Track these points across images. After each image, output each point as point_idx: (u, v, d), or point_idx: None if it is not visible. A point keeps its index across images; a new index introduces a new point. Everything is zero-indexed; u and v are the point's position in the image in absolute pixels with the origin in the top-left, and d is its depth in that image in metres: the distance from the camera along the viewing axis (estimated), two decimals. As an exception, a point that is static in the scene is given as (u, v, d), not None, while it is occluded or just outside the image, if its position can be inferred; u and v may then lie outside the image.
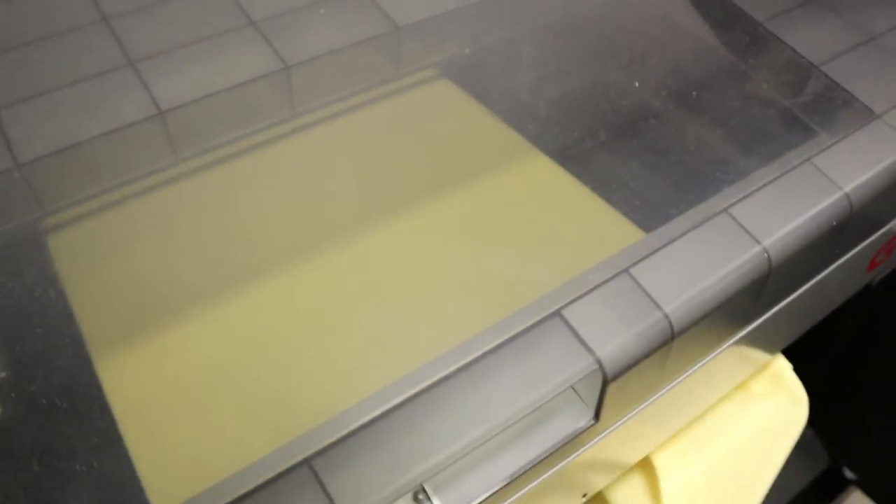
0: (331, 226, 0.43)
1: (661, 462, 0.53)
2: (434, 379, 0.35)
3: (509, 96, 0.51)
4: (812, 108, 0.50)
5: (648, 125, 0.49)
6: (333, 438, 0.33)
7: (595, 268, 0.40)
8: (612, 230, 0.43)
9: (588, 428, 0.39)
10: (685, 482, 0.53)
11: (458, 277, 0.42)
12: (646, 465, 0.54)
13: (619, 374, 0.37)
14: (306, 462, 0.33)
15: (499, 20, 0.52)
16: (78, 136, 0.42)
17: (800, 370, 0.60)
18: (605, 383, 0.37)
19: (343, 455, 0.33)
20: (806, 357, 0.63)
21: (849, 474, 0.89)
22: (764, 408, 0.58)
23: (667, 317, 0.39)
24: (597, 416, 0.39)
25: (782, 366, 0.59)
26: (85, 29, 0.47)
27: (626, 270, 0.40)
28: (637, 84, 0.52)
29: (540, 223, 0.44)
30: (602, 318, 0.38)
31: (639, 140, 0.48)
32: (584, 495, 0.49)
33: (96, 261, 0.40)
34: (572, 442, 0.39)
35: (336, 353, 0.38)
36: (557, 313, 0.38)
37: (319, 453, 0.33)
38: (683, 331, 0.39)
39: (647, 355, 0.38)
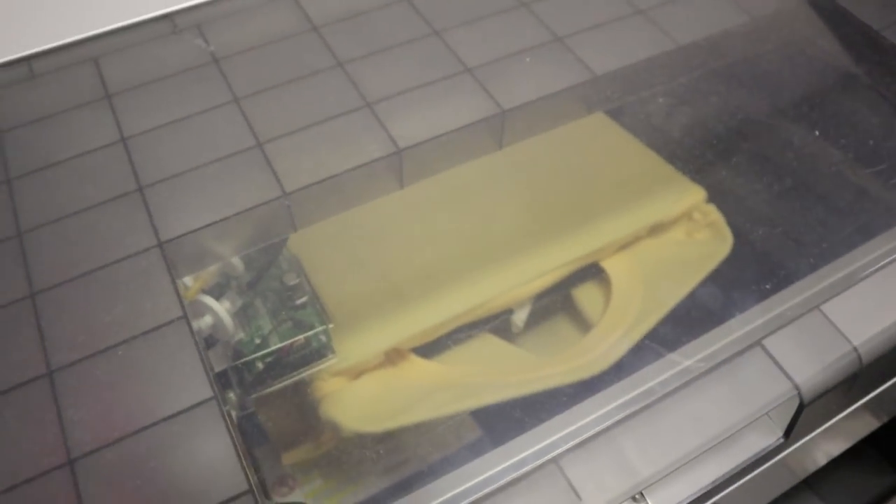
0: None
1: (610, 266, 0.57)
2: (652, 399, 0.41)
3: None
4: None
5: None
6: (576, 440, 0.39)
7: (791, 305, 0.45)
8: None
9: (778, 445, 0.45)
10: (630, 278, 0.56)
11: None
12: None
13: (813, 400, 0.43)
14: (553, 460, 0.39)
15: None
16: (331, 169, 0.49)
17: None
18: (801, 407, 0.43)
19: (583, 454, 0.39)
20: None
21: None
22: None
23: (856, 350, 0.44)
24: (787, 435, 0.45)
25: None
26: (325, 73, 0.54)
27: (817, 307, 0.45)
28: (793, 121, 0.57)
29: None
30: (798, 349, 0.43)
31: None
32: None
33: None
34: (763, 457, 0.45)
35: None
36: (758, 343, 0.43)
37: (564, 453, 0.39)
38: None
39: (838, 384, 0.43)
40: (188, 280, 0.51)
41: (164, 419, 0.40)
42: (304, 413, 0.51)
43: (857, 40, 0.61)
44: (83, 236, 0.46)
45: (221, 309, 0.50)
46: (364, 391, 0.52)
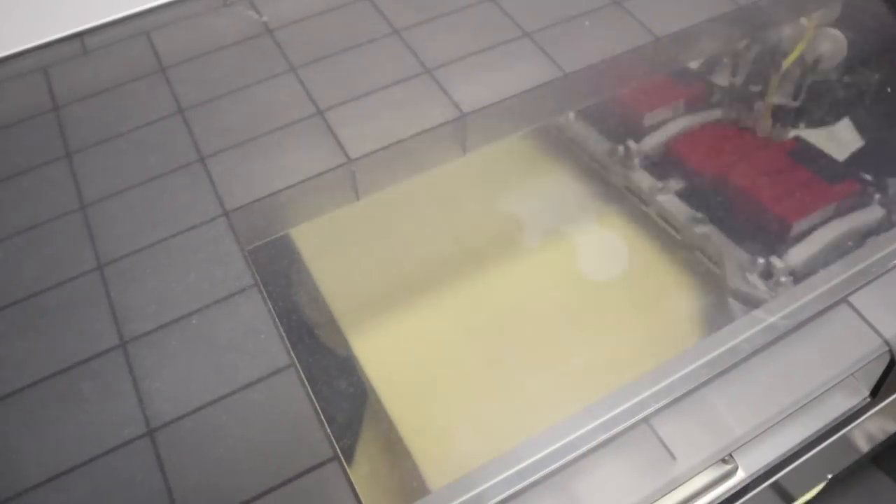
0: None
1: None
2: (739, 357, 0.40)
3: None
4: None
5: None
6: (666, 400, 0.38)
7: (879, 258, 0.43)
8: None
9: (864, 405, 0.44)
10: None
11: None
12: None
13: (903, 355, 0.41)
14: (645, 420, 0.38)
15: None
16: (396, 135, 0.48)
17: None
18: (892, 364, 0.41)
19: (673, 414, 0.38)
20: None
21: None
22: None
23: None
24: (874, 394, 0.43)
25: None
26: (381, 40, 0.53)
27: None
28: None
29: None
30: (885, 305, 0.42)
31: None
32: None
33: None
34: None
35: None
36: (844, 300, 0.42)
37: (654, 413, 0.38)
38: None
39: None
40: (804, 21, 0.55)
41: (243, 387, 0.39)
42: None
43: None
44: (148, 207, 0.45)
45: (843, 38, 0.54)
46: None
